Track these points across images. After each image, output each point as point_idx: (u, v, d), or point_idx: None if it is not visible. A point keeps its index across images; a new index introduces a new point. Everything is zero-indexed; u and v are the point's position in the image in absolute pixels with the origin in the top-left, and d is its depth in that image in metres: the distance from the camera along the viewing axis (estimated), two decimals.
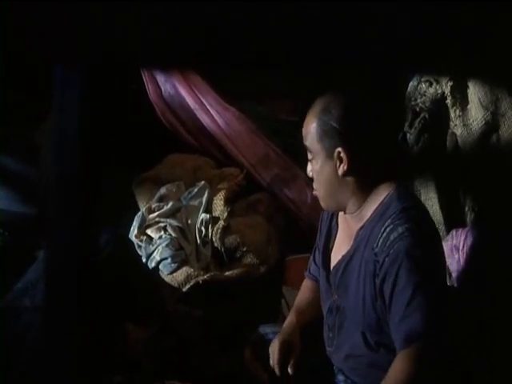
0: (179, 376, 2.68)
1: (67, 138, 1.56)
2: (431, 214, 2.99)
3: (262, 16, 1.21)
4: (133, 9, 1.18)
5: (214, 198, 3.27)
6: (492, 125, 2.89)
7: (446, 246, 2.93)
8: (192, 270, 3.09)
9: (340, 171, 2.08)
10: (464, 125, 2.92)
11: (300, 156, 2.80)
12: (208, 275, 3.08)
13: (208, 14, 1.21)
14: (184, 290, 3.06)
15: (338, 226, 2.31)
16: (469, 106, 2.92)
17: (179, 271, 3.10)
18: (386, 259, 1.96)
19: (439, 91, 2.96)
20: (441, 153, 3.01)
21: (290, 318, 2.47)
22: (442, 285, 2.09)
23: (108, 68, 1.51)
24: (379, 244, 1.99)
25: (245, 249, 3.19)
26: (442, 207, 3.00)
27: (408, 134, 3.06)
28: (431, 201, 3.01)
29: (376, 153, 2.11)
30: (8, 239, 3.21)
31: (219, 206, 3.23)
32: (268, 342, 2.43)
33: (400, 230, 1.96)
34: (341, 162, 2.07)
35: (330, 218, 2.35)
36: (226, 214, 3.21)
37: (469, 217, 2.98)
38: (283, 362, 2.32)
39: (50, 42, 1.26)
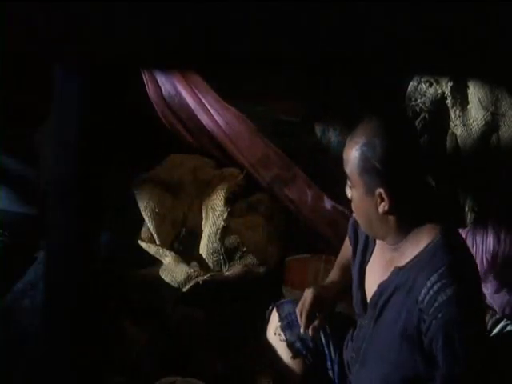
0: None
1: (67, 138, 1.56)
2: None
3: (261, 16, 1.21)
4: (133, 9, 1.18)
5: (214, 199, 3.27)
6: (492, 125, 2.89)
7: None
8: (192, 270, 3.10)
9: (380, 210, 2.05)
10: (464, 125, 2.93)
11: (300, 156, 2.81)
12: (208, 275, 3.08)
13: (208, 13, 1.21)
14: (184, 290, 3.06)
15: (374, 243, 2.29)
16: (469, 107, 2.93)
17: (179, 271, 3.10)
18: (434, 322, 1.95)
19: (439, 91, 2.96)
20: (441, 153, 3.02)
21: (332, 275, 2.50)
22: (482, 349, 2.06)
23: (108, 68, 1.50)
24: (425, 301, 1.96)
25: (244, 249, 3.19)
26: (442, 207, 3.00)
27: None
28: None
29: (417, 193, 2.09)
30: (8, 239, 3.21)
31: (219, 207, 3.23)
32: (297, 324, 2.42)
33: (448, 292, 1.94)
34: (382, 200, 2.04)
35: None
36: (225, 214, 3.21)
37: (469, 217, 2.98)
38: (312, 316, 2.35)
39: (50, 42, 1.26)
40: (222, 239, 3.17)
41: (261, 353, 2.75)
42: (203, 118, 3.35)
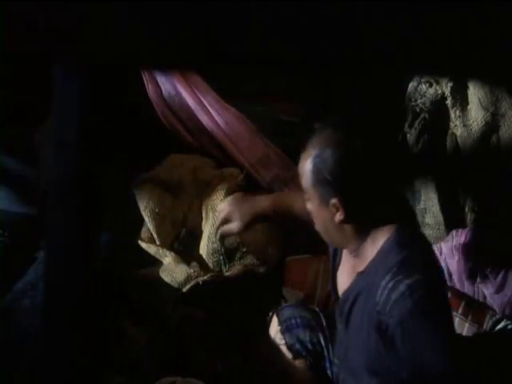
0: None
1: (67, 138, 1.56)
2: (431, 214, 2.99)
3: (261, 16, 1.21)
4: (133, 8, 1.18)
5: (214, 199, 3.27)
6: (492, 125, 2.90)
7: (446, 246, 2.93)
8: (192, 270, 3.09)
9: (336, 219, 2.07)
10: (464, 125, 2.93)
11: (300, 156, 2.80)
12: (208, 276, 3.08)
13: (208, 13, 1.21)
14: (184, 290, 3.06)
15: (341, 251, 2.31)
16: (469, 107, 2.93)
17: (179, 272, 3.10)
18: (391, 321, 1.95)
19: (439, 92, 2.97)
20: (441, 153, 3.02)
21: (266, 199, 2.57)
22: (448, 336, 2.03)
23: (108, 68, 1.50)
24: (381, 302, 1.97)
25: (244, 249, 3.19)
26: (442, 207, 3.00)
27: (408, 135, 3.07)
28: (431, 201, 3.01)
29: (372, 200, 2.09)
30: (8, 239, 3.21)
31: (219, 207, 3.22)
32: (296, 328, 2.50)
33: (401, 288, 1.93)
34: (336, 210, 2.06)
35: None
36: None
37: (469, 217, 2.98)
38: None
39: (50, 42, 1.26)
40: (222, 240, 3.16)
41: (261, 353, 2.76)
42: (203, 118, 3.35)
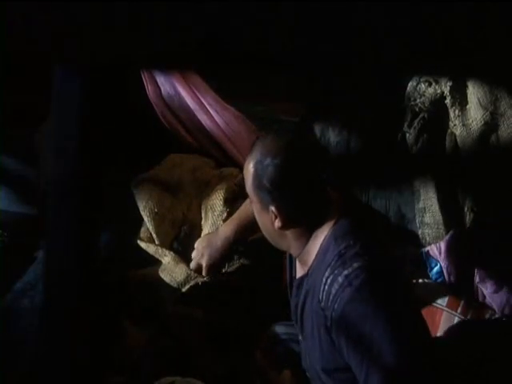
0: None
1: (67, 138, 1.56)
2: (431, 214, 2.99)
3: (261, 17, 1.22)
4: (134, 9, 1.18)
5: (213, 199, 3.26)
6: (491, 125, 2.90)
7: (446, 245, 2.93)
8: (191, 270, 3.09)
9: (276, 225, 2.09)
10: (463, 125, 2.93)
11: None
12: (207, 276, 3.07)
13: (208, 13, 1.21)
14: (183, 290, 3.05)
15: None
16: (468, 106, 2.93)
17: (179, 271, 3.10)
18: (333, 314, 1.93)
19: (438, 91, 2.96)
20: (440, 153, 3.02)
21: (226, 230, 2.77)
22: (397, 324, 1.93)
23: (108, 68, 1.51)
24: (323, 298, 1.97)
25: (243, 249, 3.18)
26: (441, 207, 3.00)
27: (407, 134, 3.06)
28: (430, 201, 3.01)
29: (311, 205, 2.11)
30: (7, 239, 3.21)
31: (218, 207, 3.22)
32: (280, 344, 2.49)
33: (340, 280, 1.93)
34: (275, 217, 2.08)
35: None
36: (225, 214, 3.20)
37: (468, 216, 2.98)
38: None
39: (50, 42, 1.26)
40: None
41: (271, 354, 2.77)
42: (202, 118, 3.35)
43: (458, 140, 2.94)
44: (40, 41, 1.23)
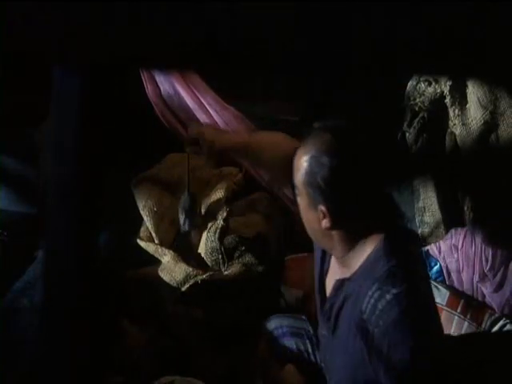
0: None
1: (66, 137, 1.56)
2: (430, 213, 3.00)
3: (261, 16, 1.21)
4: (133, 8, 1.18)
5: (213, 198, 3.27)
6: (491, 124, 2.90)
7: (445, 245, 2.94)
8: (191, 269, 3.09)
9: (322, 225, 2.04)
10: (463, 124, 2.93)
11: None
12: (207, 275, 3.08)
13: (208, 13, 1.21)
14: (183, 289, 3.06)
15: (330, 255, 2.28)
16: (468, 106, 2.94)
17: (178, 271, 3.10)
18: (376, 330, 1.92)
19: (438, 91, 2.97)
20: (440, 152, 3.02)
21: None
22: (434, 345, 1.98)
23: (108, 68, 1.50)
24: (367, 311, 1.94)
25: (243, 248, 3.19)
26: (441, 206, 3.00)
27: (407, 134, 3.07)
28: (430, 200, 3.02)
29: (362, 210, 2.05)
30: (7, 239, 3.21)
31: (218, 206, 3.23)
32: (282, 337, 2.55)
33: (388, 297, 1.91)
34: (324, 217, 2.03)
35: None
36: (225, 213, 3.21)
37: (468, 216, 2.98)
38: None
39: (49, 42, 1.26)
40: (221, 238, 3.17)
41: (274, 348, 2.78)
42: (202, 118, 3.36)
43: (458, 139, 2.95)
44: (40, 41, 1.23)
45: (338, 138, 2.03)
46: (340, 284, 2.12)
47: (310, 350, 2.53)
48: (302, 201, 2.09)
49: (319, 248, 2.32)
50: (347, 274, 2.10)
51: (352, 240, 2.07)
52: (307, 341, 2.53)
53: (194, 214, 3.02)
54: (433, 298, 2.10)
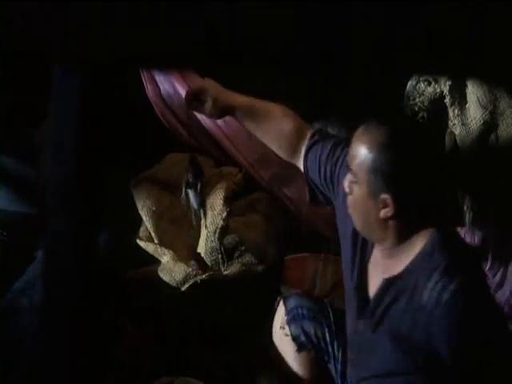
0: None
1: (66, 137, 1.56)
2: None
3: (261, 16, 1.21)
4: (134, 8, 1.19)
5: (213, 198, 3.27)
6: (490, 124, 2.89)
7: None
8: (190, 269, 3.09)
9: (382, 215, 2.02)
10: (462, 124, 2.93)
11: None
12: (207, 274, 3.08)
13: (208, 13, 1.21)
14: (183, 289, 3.06)
15: (371, 247, 2.24)
16: (467, 106, 2.93)
17: (178, 270, 3.10)
18: (443, 322, 1.93)
19: (438, 90, 2.96)
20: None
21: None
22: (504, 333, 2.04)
23: (107, 67, 1.50)
24: (430, 303, 1.95)
25: (243, 248, 3.18)
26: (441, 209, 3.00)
27: None
28: None
29: (424, 200, 2.05)
30: (7, 239, 3.21)
31: (218, 206, 3.22)
32: (302, 319, 2.48)
33: (451, 288, 1.91)
34: (384, 206, 2.01)
35: None
36: (224, 213, 3.20)
37: (467, 216, 2.98)
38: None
39: (49, 42, 1.26)
40: (220, 238, 3.17)
41: (261, 351, 2.76)
42: (202, 117, 3.35)
43: (458, 139, 2.94)
44: (40, 41, 1.23)
45: (402, 127, 2.06)
46: (390, 283, 2.10)
47: (327, 339, 2.47)
48: (360, 189, 2.05)
49: (358, 239, 2.26)
50: (395, 268, 2.09)
51: (406, 232, 2.06)
52: (326, 329, 2.47)
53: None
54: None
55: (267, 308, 2.83)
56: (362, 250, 2.26)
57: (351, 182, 2.08)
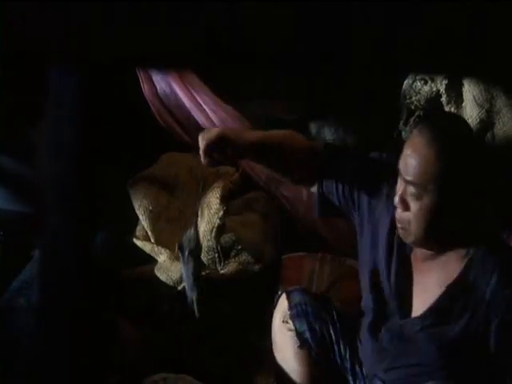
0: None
1: (63, 137, 1.56)
2: None
3: (261, 16, 1.22)
4: (133, 8, 1.18)
5: (210, 197, 3.27)
6: (486, 122, 2.90)
7: None
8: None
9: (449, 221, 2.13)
10: None
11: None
12: (203, 273, 3.07)
13: (208, 12, 1.21)
14: (179, 288, 3.06)
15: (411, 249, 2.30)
16: (463, 104, 2.94)
17: (174, 269, 3.10)
18: (506, 316, 2.07)
19: (434, 89, 2.97)
20: None
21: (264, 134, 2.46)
22: None
23: (105, 67, 1.50)
24: (493, 299, 2.08)
25: (240, 247, 3.18)
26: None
27: (403, 132, 3.07)
28: None
29: (486, 206, 2.26)
30: (4, 238, 3.20)
31: (215, 205, 3.22)
32: (306, 315, 2.46)
33: None
34: (454, 213, 2.12)
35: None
36: (221, 212, 3.20)
37: None
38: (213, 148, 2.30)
39: (46, 42, 1.26)
40: (217, 237, 3.17)
41: (258, 350, 2.76)
42: (198, 117, 3.35)
43: None
44: (40, 41, 1.23)
45: (455, 129, 2.17)
46: (444, 292, 2.18)
47: (333, 338, 2.46)
48: (430, 198, 2.10)
49: (393, 248, 2.31)
50: (447, 279, 2.17)
51: (463, 238, 2.18)
52: (330, 326, 2.46)
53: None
54: None
55: (264, 307, 2.83)
56: (399, 258, 2.30)
57: (413, 195, 2.12)
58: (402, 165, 2.13)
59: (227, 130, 2.42)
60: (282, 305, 2.54)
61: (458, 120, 2.37)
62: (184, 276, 2.64)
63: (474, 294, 2.10)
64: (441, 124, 2.16)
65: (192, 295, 2.59)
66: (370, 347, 2.37)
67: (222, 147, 2.32)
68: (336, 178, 2.41)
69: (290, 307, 2.50)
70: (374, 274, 2.35)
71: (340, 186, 2.40)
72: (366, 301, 2.39)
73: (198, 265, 2.63)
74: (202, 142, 2.31)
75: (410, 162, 2.09)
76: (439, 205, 2.09)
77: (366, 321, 2.39)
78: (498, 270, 2.08)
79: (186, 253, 2.62)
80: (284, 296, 2.56)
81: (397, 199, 2.14)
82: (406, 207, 2.13)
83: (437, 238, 2.17)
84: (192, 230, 2.66)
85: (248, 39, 1.20)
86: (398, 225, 2.20)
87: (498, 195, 2.83)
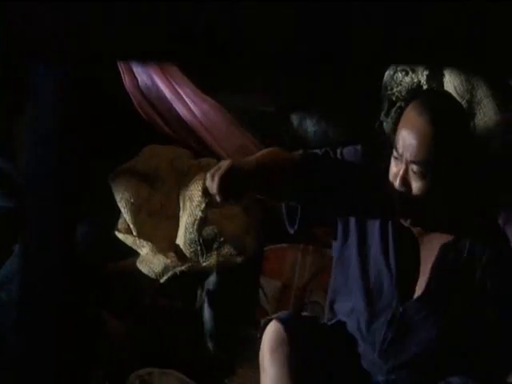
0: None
1: (43, 130, 1.54)
2: None
3: (261, 15, 1.21)
4: (132, 8, 1.17)
5: (192, 189, 3.26)
6: (467, 113, 2.92)
7: None
8: (169, 261, 3.09)
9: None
10: None
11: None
12: (185, 266, 3.08)
13: (207, 11, 1.20)
14: (162, 281, 3.06)
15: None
16: None
17: (156, 262, 3.10)
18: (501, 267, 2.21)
19: (415, 80, 2.98)
20: None
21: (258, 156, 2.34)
22: None
23: (86, 62, 1.49)
24: (487, 268, 2.19)
25: (222, 239, 3.18)
26: None
27: (384, 123, 3.08)
28: None
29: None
30: None
31: (196, 197, 3.22)
32: (289, 336, 2.30)
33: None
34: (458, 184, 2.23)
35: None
36: (203, 204, 3.18)
37: None
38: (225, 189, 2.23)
39: (49, 42, 1.25)
40: (199, 230, 3.16)
41: (243, 343, 2.77)
42: (180, 109, 3.34)
43: None
44: (40, 41, 1.21)
45: (449, 104, 2.28)
46: (447, 266, 2.26)
47: (327, 365, 2.38)
48: (432, 176, 2.14)
49: (388, 234, 2.31)
50: (441, 253, 2.25)
51: (461, 215, 2.29)
52: (324, 351, 2.38)
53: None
54: None
55: (247, 299, 2.83)
56: (395, 241, 2.30)
57: (417, 174, 2.13)
58: (401, 146, 2.13)
59: (236, 162, 2.31)
60: (270, 332, 2.34)
61: (449, 95, 2.50)
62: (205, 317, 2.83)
63: (471, 265, 2.19)
64: (434, 100, 2.24)
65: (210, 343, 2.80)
66: (370, 350, 2.37)
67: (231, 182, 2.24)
68: (316, 184, 2.33)
69: (279, 335, 2.31)
70: (365, 271, 2.35)
71: (321, 193, 2.33)
72: (356, 304, 2.36)
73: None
74: (214, 180, 2.26)
75: (412, 141, 2.11)
76: (443, 181, 2.14)
77: (355, 327, 2.37)
78: (492, 245, 2.21)
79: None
80: (272, 323, 2.36)
81: (398, 181, 2.14)
82: (409, 187, 2.14)
83: (438, 216, 2.24)
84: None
85: (248, 39, 1.19)
86: (398, 207, 2.20)
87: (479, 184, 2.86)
